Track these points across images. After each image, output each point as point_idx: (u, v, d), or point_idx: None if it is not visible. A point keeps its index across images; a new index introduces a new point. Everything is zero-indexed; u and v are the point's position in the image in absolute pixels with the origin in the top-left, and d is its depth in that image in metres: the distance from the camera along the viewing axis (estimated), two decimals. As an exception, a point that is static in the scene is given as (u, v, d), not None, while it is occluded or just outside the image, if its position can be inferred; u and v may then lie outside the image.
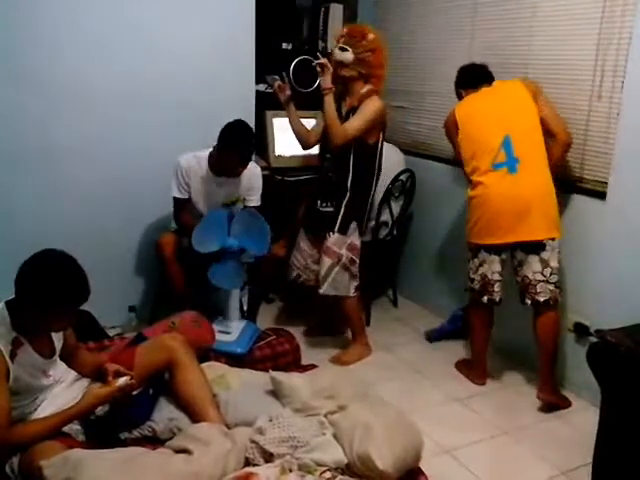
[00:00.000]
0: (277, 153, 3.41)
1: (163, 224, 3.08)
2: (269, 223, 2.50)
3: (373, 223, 3.25)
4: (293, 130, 2.95)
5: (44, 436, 1.66)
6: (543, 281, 2.52)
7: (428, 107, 3.52)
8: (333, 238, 2.82)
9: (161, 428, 1.90)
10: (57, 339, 1.80)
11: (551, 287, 2.53)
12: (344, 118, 2.76)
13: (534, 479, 2.20)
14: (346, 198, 2.81)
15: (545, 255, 2.51)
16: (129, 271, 3.15)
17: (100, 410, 1.82)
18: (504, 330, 2.87)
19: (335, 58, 2.69)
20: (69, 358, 1.89)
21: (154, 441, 1.87)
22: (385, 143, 2.98)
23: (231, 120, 2.70)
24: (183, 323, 2.36)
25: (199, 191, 2.80)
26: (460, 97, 2.77)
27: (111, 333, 2.90)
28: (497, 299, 2.65)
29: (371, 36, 2.69)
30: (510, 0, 2.91)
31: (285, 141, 3.16)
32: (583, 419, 2.47)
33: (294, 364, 2.50)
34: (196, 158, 2.78)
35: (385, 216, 3.34)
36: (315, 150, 3.02)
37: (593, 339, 2.04)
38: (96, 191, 2.93)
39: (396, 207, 3.40)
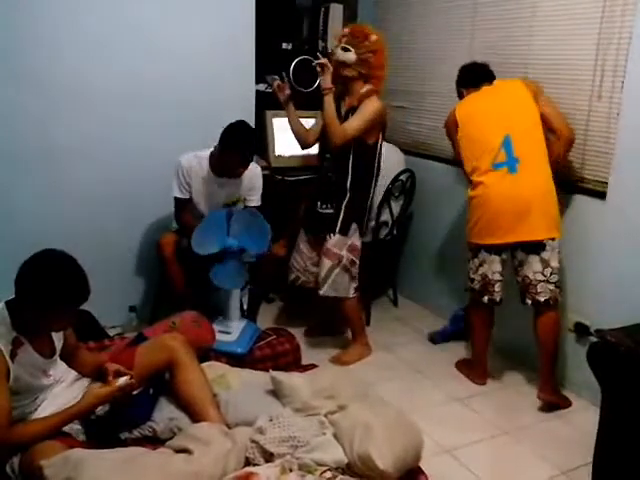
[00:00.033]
0: (277, 153, 3.42)
1: (163, 224, 3.09)
2: (269, 223, 2.50)
3: (373, 223, 3.25)
4: (292, 130, 2.95)
5: (44, 436, 1.66)
6: (543, 281, 2.52)
7: (428, 107, 3.52)
8: (334, 239, 2.82)
9: (161, 428, 1.90)
10: (57, 339, 1.80)
11: (551, 287, 2.53)
12: (343, 118, 2.76)
13: (534, 479, 2.20)
14: (346, 199, 2.80)
15: (545, 255, 2.51)
16: (129, 271, 3.15)
17: (100, 410, 1.83)
18: (504, 330, 2.87)
19: (337, 58, 2.69)
20: (69, 358, 1.89)
21: (154, 441, 1.87)
22: (385, 143, 2.99)
23: (231, 120, 2.70)
24: (183, 323, 2.36)
25: (200, 191, 2.80)
26: (461, 96, 2.77)
27: (111, 333, 2.90)
28: (497, 299, 2.65)
29: (374, 37, 2.69)
30: (510, 0, 2.91)
31: (285, 141, 3.16)
32: (583, 419, 2.47)
33: (294, 364, 2.50)
34: (197, 158, 2.78)
35: (385, 216, 3.34)
36: (315, 150, 3.02)
37: (593, 339, 2.04)
38: (96, 191, 2.93)
39: (396, 207, 3.40)
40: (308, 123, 2.99)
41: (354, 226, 2.84)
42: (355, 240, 2.86)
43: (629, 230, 2.43)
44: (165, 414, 1.94)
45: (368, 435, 1.71)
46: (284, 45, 3.54)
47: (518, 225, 2.49)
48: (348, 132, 2.69)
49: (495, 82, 2.69)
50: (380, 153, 2.87)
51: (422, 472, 1.83)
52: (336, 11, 3.60)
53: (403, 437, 1.77)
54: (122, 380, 1.79)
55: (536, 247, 2.51)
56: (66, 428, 1.74)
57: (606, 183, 2.52)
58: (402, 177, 3.36)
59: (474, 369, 2.84)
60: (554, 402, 2.59)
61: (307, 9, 3.68)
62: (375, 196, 3.02)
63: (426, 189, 3.49)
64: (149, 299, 3.17)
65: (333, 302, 2.94)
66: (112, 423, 1.87)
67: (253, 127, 2.93)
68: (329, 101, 2.69)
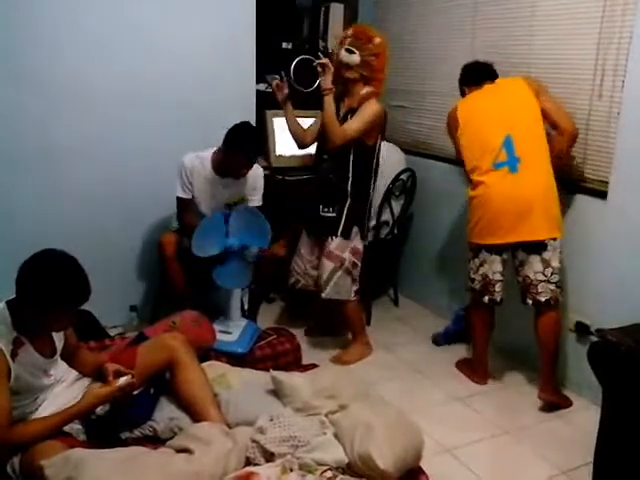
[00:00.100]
0: (277, 153, 3.41)
1: (163, 224, 3.09)
2: (269, 223, 2.50)
3: (374, 222, 3.25)
4: (289, 129, 2.95)
5: (45, 436, 1.66)
6: (544, 281, 2.52)
7: (429, 106, 3.52)
8: (335, 242, 2.82)
9: (162, 428, 1.90)
10: (58, 339, 1.80)
11: (552, 287, 2.53)
12: (342, 119, 2.76)
13: (535, 478, 2.20)
14: (348, 202, 2.80)
15: (546, 255, 2.51)
16: (130, 271, 3.15)
17: (101, 410, 1.83)
18: (505, 330, 2.86)
19: (341, 59, 2.68)
20: (70, 358, 1.89)
21: (155, 441, 1.87)
22: (386, 142, 2.98)
23: (232, 119, 2.70)
24: (184, 323, 2.36)
25: (202, 191, 2.81)
26: (464, 94, 2.76)
27: (112, 333, 2.90)
28: (498, 299, 2.64)
29: (377, 40, 2.69)
30: (510, -1, 2.92)
31: (285, 141, 3.16)
32: (584, 418, 2.47)
33: (295, 364, 2.50)
34: (199, 158, 2.79)
35: (386, 215, 3.34)
36: (314, 150, 3.02)
37: (594, 338, 2.04)
38: (96, 191, 2.93)
39: (397, 206, 3.40)
40: (308, 123, 3.00)
41: (355, 229, 2.84)
42: (357, 243, 2.86)
43: (630, 230, 2.43)
44: (166, 414, 1.94)
45: (369, 435, 1.71)
46: (284, 45, 3.55)
47: (519, 225, 2.48)
48: (347, 133, 2.69)
49: (497, 81, 2.69)
50: (379, 155, 2.87)
51: (423, 472, 1.83)
52: (336, 11, 3.60)
53: (404, 437, 1.77)
54: (122, 380, 1.79)
55: (537, 247, 2.51)
56: (66, 428, 1.74)
57: (607, 182, 2.51)
58: (403, 176, 3.36)
59: (475, 369, 2.84)
60: (555, 402, 2.59)
61: (307, 9, 3.68)
62: (374, 197, 3.02)
63: (427, 188, 3.49)
64: (149, 299, 3.17)
65: (334, 305, 2.94)
66: (113, 423, 1.87)
67: (257, 128, 2.93)
68: (329, 101, 2.69)
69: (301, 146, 3.00)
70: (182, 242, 2.75)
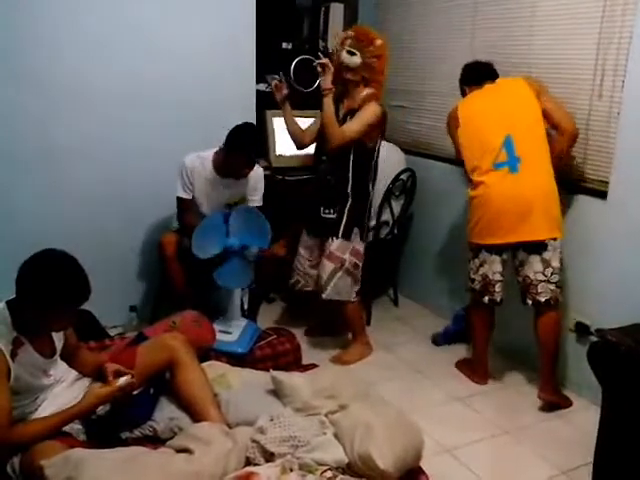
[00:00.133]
0: (278, 153, 3.41)
1: (163, 224, 3.09)
2: (269, 223, 2.50)
3: (374, 223, 3.25)
4: (287, 130, 2.96)
5: (45, 436, 1.66)
6: (544, 281, 2.52)
7: (428, 106, 3.52)
8: (336, 243, 2.82)
9: (162, 428, 1.90)
10: (58, 339, 1.80)
11: (552, 287, 2.52)
12: (342, 120, 2.76)
13: (535, 478, 2.20)
14: (348, 204, 2.81)
15: (547, 255, 2.50)
16: (130, 271, 3.15)
17: (101, 410, 1.83)
18: (505, 330, 2.86)
19: (343, 62, 2.68)
20: (70, 358, 1.89)
21: (155, 441, 1.87)
22: (386, 142, 2.98)
23: (232, 119, 2.70)
24: (184, 323, 2.36)
25: (203, 191, 2.81)
26: (464, 94, 2.76)
27: (112, 333, 2.90)
28: (498, 299, 2.64)
29: (378, 42, 2.69)
30: (510, -1, 2.92)
31: (285, 141, 3.15)
32: (584, 418, 2.47)
33: (295, 364, 2.50)
34: (200, 158, 2.79)
35: (386, 215, 3.34)
36: (313, 150, 3.02)
37: (594, 338, 2.04)
38: (96, 191, 2.93)
39: (397, 206, 3.40)
40: (308, 123, 3.00)
41: (356, 230, 2.84)
42: (357, 244, 2.86)
43: (630, 229, 2.43)
44: (166, 414, 1.94)
45: (369, 435, 1.71)
46: (284, 45, 3.55)
47: (519, 225, 2.48)
48: (347, 134, 2.69)
49: (498, 81, 2.68)
50: (378, 157, 2.88)
51: (423, 472, 1.83)
52: (336, 11, 3.60)
53: (403, 437, 1.77)
54: (122, 380, 1.79)
55: (538, 247, 2.51)
56: (66, 428, 1.74)
57: (607, 182, 2.51)
58: (403, 176, 3.36)
59: (475, 369, 2.83)
60: (555, 402, 2.59)
61: (307, 9, 3.68)
62: (374, 197, 3.02)
63: (427, 188, 3.49)
64: (149, 299, 3.17)
65: (335, 305, 2.94)
66: (113, 423, 1.87)
67: (258, 129, 2.93)
68: (328, 102, 2.69)
69: (299, 146, 3.01)
70: (182, 242, 2.76)
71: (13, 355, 1.63)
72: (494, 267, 2.60)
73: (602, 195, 2.54)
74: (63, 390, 1.84)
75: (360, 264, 2.89)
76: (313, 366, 2.41)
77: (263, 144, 3.27)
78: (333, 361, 2.93)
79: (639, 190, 2.38)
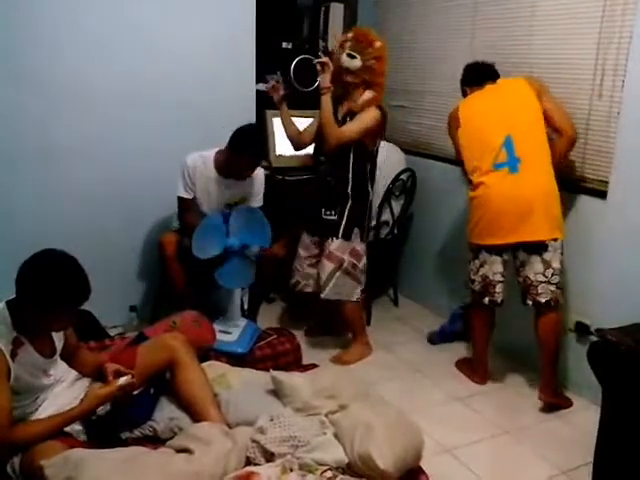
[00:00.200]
0: (278, 153, 3.41)
1: (163, 224, 3.09)
2: (270, 222, 2.50)
3: (374, 223, 3.25)
4: (285, 130, 2.96)
5: (45, 436, 1.66)
6: (544, 282, 2.51)
7: (428, 106, 3.52)
8: (336, 243, 2.82)
9: (162, 428, 1.90)
10: (58, 339, 1.80)
11: (552, 288, 2.52)
12: (340, 122, 2.76)
13: (535, 478, 2.20)
14: (348, 204, 2.81)
15: (547, 256, 2.50)
16: (130, 271, 3.15)
17: (101, 410, 1.82)
18: (505, 330, 2.86)
19: (343, 64, 2.68)
20: (70, 358, 1.89)
21: (155, 441, 1.87)
22: (386, 143, 2.98)
23: (231, 119, 2.70)
24: (184, 323, 2.36)
25: (204, 191, 2.81)
26: (465, 95, 2.76)
27: (112, 333, 2.90)
28: (498, 300, 2.64)
29: (378, 43, 2.68)
30: (510, -1, 2.92)
31: (286, 141, 3.16)
32: (584, 418, 2.47)
33: (295, 364, 2.50)
34: (202, 158, 2.79)
35: (386, 215, 3.34)
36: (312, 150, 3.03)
37: (594, 338, 2.04)
38: (96, 191, 2.93)
39: (397, 206, 3.40)
40: (307, 123, 2.99)
41: (356, 231, 2.84)
42: (357, 245, 2.86)
43: (629, 229, 2.43)
44: (166, 414, 1.94)
45: (369, 435, 1.71)
46: (284, 44, 3.54)
47: (520, 225, 2.48)
48: (345, 134, 2.69)
49: (499, 81, 2.68)
50: (376, 159, 2.88)
51: (423, 472, 1.83)
52: (336, 10, 3.60)
53: (404, 437, 1.77)
54: (122, 380, 1.79)
55: (538, 248, 2.50)
56: (67, 428, 1.74)
57: (607, 182, 2.51)
58: (403, 176, 3.36)
59: (475, 369, 2.83)
60: (555, 403, 2.59)
61: (307, 8, 3.68)
62: (374, 198, 3.02)
63: (427, 188, 3.49)
64: (149, 299, 3.17)
65: (334, 305, 2.94)
66: (113, 423, 1.87)
67: (261, 130, 2.93)
68: (326, 100, 2.69)
69: (297, 147, 3.01)
70: (182, 242, 2.76)
71: (13, 355, 1.63)
72: (494, 268, 2.60)
73: (602, 195, 2.53)
74: (63, 390, 1.84)
75: (360, 265, 2.89)
76: (313, 366, 2.41)
77: (264, 145, 3.27)
78: (333, 361, 2.93)
79: (639, 190, 2.38)
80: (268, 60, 3.31)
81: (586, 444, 2.01)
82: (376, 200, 3.14)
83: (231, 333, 2.55)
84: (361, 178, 2.82)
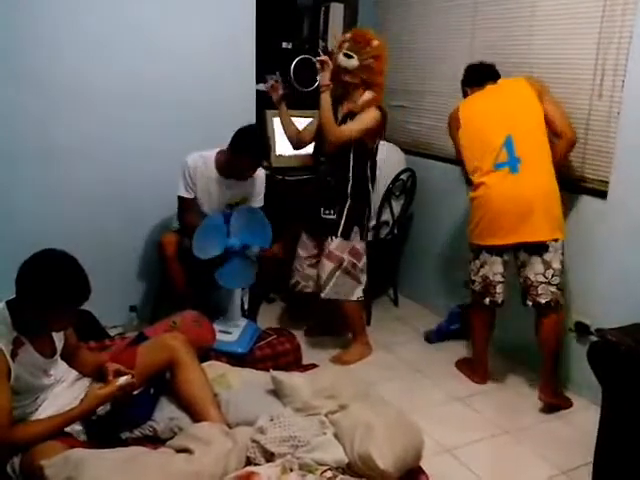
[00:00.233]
0: (278, 153, 3.41)
1: (163, 224, 3.09)
2: (270, 222, 2.51)
3: (374, 222, 3.25)
4: (284, 130, 2.96)
5: (46, 437, 1.66)
6: (545, 283, 2.50)
7: (428, 106, 3.52)
8: (335, 242, 2.82)
9: (162, 428, 1.90)
10: (58, 339, 1.80)
11: (553, 289, 2.51)
12: (340, 122, 2.76)
13: (535, 478, 2.20)
14: (348, 204, 2.81)
15: (547, 256, 2.49)
16: (130, 271, 3.15)
17: (101, 410, 1.83)
18: (505, 330, 2.86)
19: (340, 64, 2.68)
20: (70, 358, 1.89)
21: (155, 441, 1.87)
22: (386, 143, 2.98)
23: (231, 119, 2.71)
24: (184, 323, 2.36)
25: (205, 191, 2.81)
26: (466, 95, 2.76)
27: (112, 333, 2.90)
28: (499, 301, 2.63)
29: (375, 42, 2.68)
30: (510, -1, 2.92)
31: (286, 141, 3.16)
32: (584, 418, 2.47)
33: (295, 364, 2.50)
34: (202, 158, 2.79)
35: (386, 215, 3.34)
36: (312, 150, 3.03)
37: (594, 338, 2.04)
38: (96, 191, 2.93)
39: (397, 206, 3.40)
40: (307, 123, 2.99)
41: (355, 229, 2.84)
42: (356, 244, 2.86)
43: (630, 229, 2.43)
44: (166, 414, 1.94)
45: (369, 435, 1.71)
46: (284, 44, 3.54)
47: (520, 226, 2.47)
48: (345, 133, 2.69)
49: (499, 81, 2.68)
50: (376, 156, 2.87)
51: (423, 472, 1.83)
52: (336, 10, 3.60)
53: (404, 437, 1.77)
54: (122, 379, 1.79)
55: (538, 248, 2.50)
56: (67, 428, 1.74)
57: (607, 182, 2.51)
58: (403, 176, 3.36)
59: (475, 369, 2.83)
60: (555, 404, 2.58)
61: (307, 8, 3.68)
62: (374, 197, 3.02)
63: (427, 188, 3.49)
64: (149, 299, 3.17)
65: (334, 304, 2.94)
66: (113, 423, 1.87)
67: (262, 131, 2.93)
68: (326, 98, 2.69)
69: (296, 147, 3.01)
70: (183, 242, 2.76)
71: (13, 355, 1.63)
72: (495, 268, 2.60)
73: (602, 195, 2.53)
74: (63, 390, 1.84)
75: (360, 264, 2.89)
76: (313, 366, 2.41)
77: (265, 145, 3.26)
78: (333, 361, 2.93)
79: (639, 190, 2.38)
80: (268, 60, 3.31)
81: (586, 444, 2.01)
82: (376, 200, 3.14)
83: (231, 333, 2.55)
84: (361, 177, 2.82)
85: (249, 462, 1.73)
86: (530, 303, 2.55)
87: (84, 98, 2.83)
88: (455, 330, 3.19)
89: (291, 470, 1.66)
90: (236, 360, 2.37)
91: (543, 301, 2.51)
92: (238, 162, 2.70)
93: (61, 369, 1.85)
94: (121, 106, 2.91)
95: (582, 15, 2.57)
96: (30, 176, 2.78)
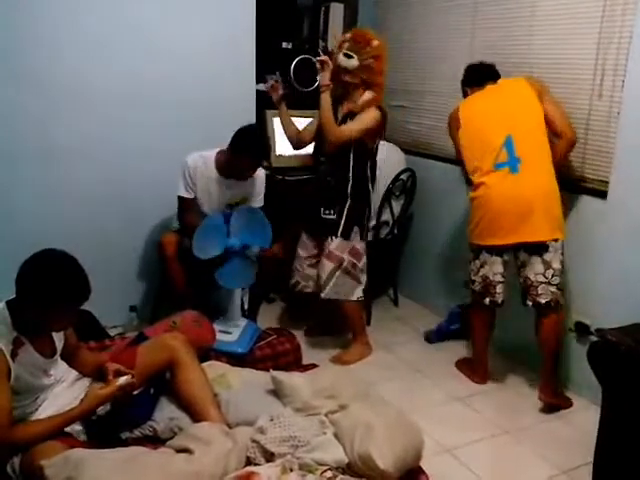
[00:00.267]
0: (277, 153, 3.41)
1: (163, 224, 3.09)
2: (270, 222, 2.51)
3: (374, 222, 3.25)
4: (283, 130, 2.96)
5: (46, 437, 1.66)
6: (545, 283, 2.50)
7: (428, 106, 3.52)
8: (335, 242, 2.82)
9: (162, 428, 1.90)
10: (58, 339, 1.80)
11: (553, 289, 2.51)
12: (340, 122, 2.76)
13: (535, 478, 2.20)
14: (348, 204, 2.81)
15: (547, 256, 2.49)
16: (130, 271, 3.15)
17: (101, 410, 1.82)
18: (505, 330, 2.86)
19: (340, 64, 2.68)
20: (70, 358, 1.89)
21: (155, 441, 1.87)
22: (386, 143, 2.98)
23: (231, 119, 2.71)
24: (184, 323, 2.36)
25: (205, 191, 2.81)
26: (466, 95, 2.76)
27: (112, 333, 2.90)
28: (499, 301, 2.63)
29: (375, 42, 2.67)
30: (510, -1, 2.92)
31: (286, 141, 3.16)
32: (584, 418, 2.47)
33: (295, 363, 2.50)
34: (202, 158, 2.79)
35: (386, 215, 3.34)
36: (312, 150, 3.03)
37: (594, 338, 2.04)
38: (96, 191, 2.93)
39: (397, 206, 3.40)
40: (308, 123, 2.99)
41: (355, 229, 2.84)
42: (356, 244, 2.86)
43: (630, 229, 2.43)
44: (166, 414, 1.94)
45: (369, 435, 1.71)
46: (284, 44, 3.54)
47: (520, 226, 2.47)
48: (345, 133, 2.69)
49: (500, 81, 2.68)
50: (376, 156, 2.87)
51: (423, 471, 1.83)
52: (336, 10, 3.60)
53: (404, 437, 1.77)
54: (122, 379, 1.79)
55: (538, 248, 2.49)
56: (67, 428, 1.74)
57: (607, 182, 2.51)
58: (403, 176, 3.36)
59: (475, 369, 2.83)
60: (555, 404, 2.58)
61: (307, 8, 3.68)
62: (374, 197, 3.02)
63: (427, 188, 3.49)
64: (149, 299, 3.17)
65: (334, 304, 2.94)
66: (113, 423, 1.87)
67: (263, 131, 2.93)
68: (326, 98, 2.69)
69: (296, 146, 3.00)
70: (183, 242, 2.76)
71: (13, 355, 1.63)
72: (495, 268, 2.59)
73: (602, 195, 2.53)
74: (63, 390, 1.84)
75: (360, 264, 2.89)
76: (313, 366, 2.41)
77: (265, 145, 3.27)
78: (333, 361, 2.93)
79: (639, 190, 2.38)
80: (268, 60, 3.31)
81: (586, 444, 2.01)
82: (376, 200, 3.14)
83: (231, 333, 2.55)
84: (361, 177, 2.82)
85: (249, 462, 1.73)
86: (530, 303, 2.55)
87: (84, 98, 2.83)
88: (455, 330, 3.20)
89: (291, 470, 1.66)
90: (236, 360, 2.37)
91: (543, 301, 2.51)
92: (238, 162, 2.70)
93: (61, 369, 1.85)
94: (121, 106, 2.91)
95: (582, 15, 2.57)
96: (30, 176, 2.78)
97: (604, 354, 1.86)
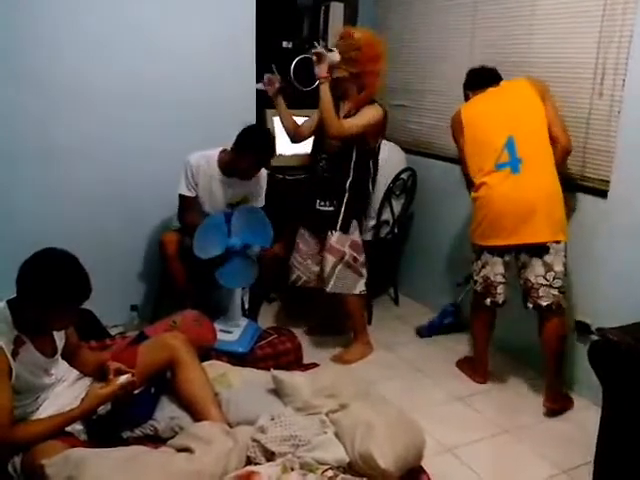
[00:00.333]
0: (278, 152, 3.40)
1: (164, 223, 3.09)
2: (270, 222, 2.51)
3: (374, 222, 3.25)
4: (282, 123, 2.94)
5: (47, 436, 1.66)
6: (546, 285, 2.47)
7: (429, 105, 3.52)
8: (335, 236, 2.82)
9: (163, 427, 1.90)
10: (59, 338, 1.80)
11: (554, 292, 2.47)
12: None
13: (535, 478, 2.19)
14: (346, 197, 2.80)
15: (549, 259, 2.46)
16: (130, 270, 3.15)
17: (102, 409, 1.83)
18: (506, 329, 2.86)
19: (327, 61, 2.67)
20: (71, 357, 1.90)
21: (156, 440, 1.87)
22: (386, 142, 2.97)
23: (231, 119, 2.71)
24: (185, 322, 2.36)
25: (206, 190, 2.81)
26: (467, 98, 2.74)
27: (113, 332, 2.90)
28: (500, 301, 2.62)
29: (357, 35, 2.66)
30: (510, -2, 2.91)
31: (286, 140, 3.16)
32: (584, 418, 2.47)
33: (296, 363, 2.51)
34: (205, 157, 2.79)
35: (386, 215, 3.34)
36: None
37: (594, 337, 2.04)
38: (96, 191, 2.94)
39: (397, 206, 3.40)
40: (306, 121, 2.99)
41: (354, 223, 2.84)
42: (355, 237, 2.86)
43: (630, 228, 2.42)
44: (166, 413, 1.94)
45: (369, 434, 1.71)
46: (284, 44, 3.55)
47: (521, 227, 2.45)
48: (345, 126, 2.68)
49: (501, 83, 2.67)
50: (379, 155, 2.87)
51: (424, 471, 1.83)
52: (337, 10, 3.60)
53: (404, 436, 1.77)
54: (123, 378, 1.79)
55: (539, 250, 2.47)
56: (68, 428, 1.74)
57: (608, 181, 2.51)
58: (403, 176, 3.36)
59: (475, 368, 2.83)
60: (559, 409, 2.56)
61: (308, 8, 3.68)
62: (375, 196, 3.02)
63: (427, 188, 3.49)
64: (150, 298, 3.17)
65: (338, 299, 2.93)
66: (114, 422, 1.88)
67: (269, 130, 2.93)
68: (325, 89, 2.65)
69: (294, 140, 2.98)
70: (184, 241, 2.76)
71: (14, 354, 1.63)
72: (496, 269, 2.58)
73: (603, 194, 2.53)
74: (64, 389, 1.84)
75: (360, 258, 2.88)
76: (314, 365, 2.41)
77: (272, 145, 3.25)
78: (334, 360, 2.93)
79: (640, 189, 2.38)
80: (268, 60, 3.30)
81: (586, 443, 2.01)
82: (376, 199, 3.14)
83: (232, 332, 2.56)
84: (362, 176, 2.82)
85: (250, 461, 1.74)
86: (531, 305, 2.53)
87: (84, 98, 2.83)
88: (448, 324, 3.21)
89: (292, 469, 1.67)
90: (237, 359, 2.38)
91: (544, 304, 2.49)
92: (242, 160, 2.70)
93: (62, 368, 1.85)
94: (121, 106, 2.91)
95: (582, 14, 2.56)
96: (30, 176, 2.78)
97: (605, 353, 1.85)
